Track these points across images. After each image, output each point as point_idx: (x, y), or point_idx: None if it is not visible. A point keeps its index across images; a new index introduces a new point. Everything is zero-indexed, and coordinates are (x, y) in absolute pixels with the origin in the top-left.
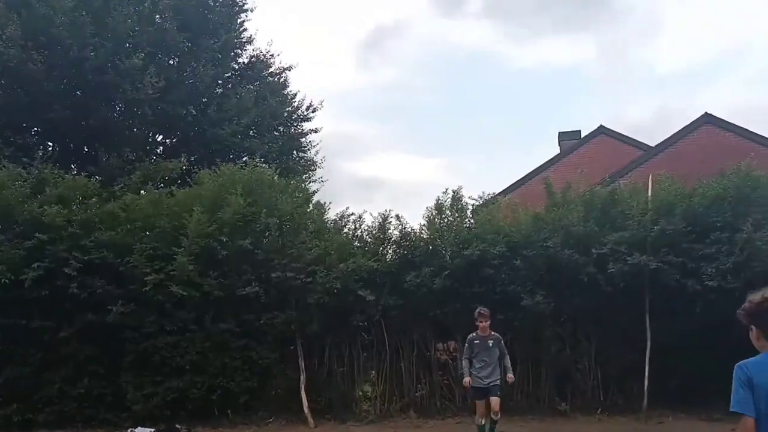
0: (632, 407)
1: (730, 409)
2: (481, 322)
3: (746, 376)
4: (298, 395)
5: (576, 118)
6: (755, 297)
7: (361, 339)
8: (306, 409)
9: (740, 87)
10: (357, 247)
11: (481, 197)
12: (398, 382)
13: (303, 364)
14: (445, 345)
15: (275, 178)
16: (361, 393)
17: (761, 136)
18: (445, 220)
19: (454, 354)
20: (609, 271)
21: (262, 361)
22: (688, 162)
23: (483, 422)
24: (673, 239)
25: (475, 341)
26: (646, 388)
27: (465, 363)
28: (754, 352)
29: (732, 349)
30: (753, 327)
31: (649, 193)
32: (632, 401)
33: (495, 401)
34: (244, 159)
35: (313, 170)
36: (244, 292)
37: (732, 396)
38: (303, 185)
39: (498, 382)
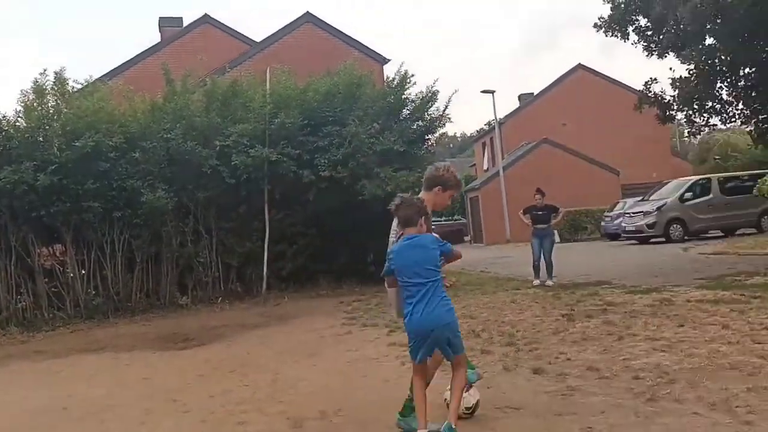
0: (251, 293)
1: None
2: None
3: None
4: None
5: (175, 5)
6: (393, 203)
7: None
8: None
9: None
10: None
11: (87, 81)
12: None
13: None
14: (51, 249)
15: None
16: None
17: (354, 39)
18: (48, 107)
19: (62, 258)
20: (232, 163)
21: None
22: (292, 59)
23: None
24: (291, 132)
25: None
26: (264, 274)
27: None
28: (359, 238)
29: (339, 234)
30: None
31: (268, 87)
32: (251, 287)
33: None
34: None
35: None
36: None
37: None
38: None
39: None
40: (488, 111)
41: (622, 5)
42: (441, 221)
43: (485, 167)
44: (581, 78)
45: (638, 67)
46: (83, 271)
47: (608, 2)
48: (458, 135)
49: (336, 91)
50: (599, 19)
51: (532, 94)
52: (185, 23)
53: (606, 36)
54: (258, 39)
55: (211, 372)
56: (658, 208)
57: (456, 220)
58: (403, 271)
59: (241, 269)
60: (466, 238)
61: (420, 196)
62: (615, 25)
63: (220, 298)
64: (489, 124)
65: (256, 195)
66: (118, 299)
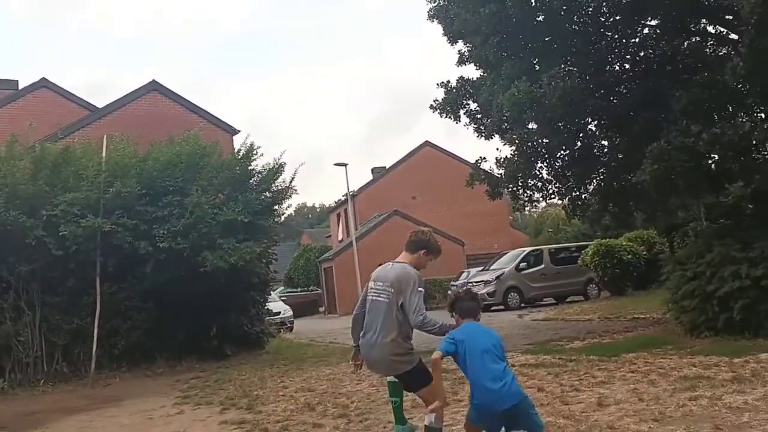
0: (79, 374)
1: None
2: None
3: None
4: None
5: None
6: (450, 295)
7: None
8: None
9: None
10: None
11: None
12: None
13: None
14: None
15: None
16: None
17: (202, 109)
18: None
19: None
20: (60, 233)
21: None
22: (136, 126)
23: None
24: (128, 202)
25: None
26: (94, 352)
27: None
28: (201, 311)
29: (179, 307)
30: (453, 314)
31: (104, 154)
32: (79, 367)
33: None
34: None
35: None
36: None
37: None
38: None
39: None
40: (345, 183)
41: (454, 90)
42: (297, 292)
43: (340, 238)
44: (428, 154)
45: (479, 145)
46: None
47: (442, 87)
48: (317, 206)
49: (178, 160)
50: (434, 101)
51: (385, 167)
52: (21, 85)
53: (441, 117)
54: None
55: None
56: (497, 278)
57: (311, 290)
58: (476, 350)
59: (67, 348)
60: (321, 309)
61: (401, 256)
62: (448, 107)
63: (42, 381)
64: (345, 195)
65: (86, 267)
66: None
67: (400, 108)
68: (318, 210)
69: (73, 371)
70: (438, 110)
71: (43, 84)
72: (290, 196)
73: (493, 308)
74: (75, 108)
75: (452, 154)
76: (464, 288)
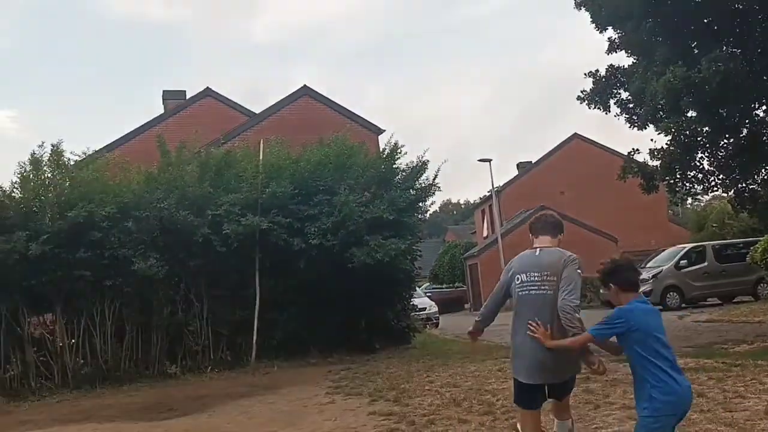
0: (241, 362)
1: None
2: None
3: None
4: None
5: (180, 78)
6: (605, 263)
7: None
8: None
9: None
10: None
11: (85, 153)
12: None
13: None
14: (41, 318)
15: None
16: None
17: (350, 111)
18: (43, 178)
19: (51, 327)
20: (224, 232)
21: None
22: (290, 130)
23: None
24: (282, 201)
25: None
26: (254, 342)
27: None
28: (350, 306)
29: (330, 301)
30: (611, 285)
31: (261, 157)
32: (241, 356)
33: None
34: None
35: None
36: None
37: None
38: None
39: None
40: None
41: (603, 79)
42: (442, 288)
43: (485, 234)
44: (577, 147)
45: (633, 135)
46: (72, 340)
47: (590, 77)
48: (462, 202)
49: (327, 161)
50: (582, 92)
51: (531, 162)
52: (188, 95)
53: (589, 108)
54: (258, 111)
55: None
56: (654, 276)
57: (457, 287)
58: (650, 336)
59: (231, 338)
60: (466, 306)
61: (544, 241)
62: (597, 97)
63: (209, 367)
64: (490, 191)
65: (246, 263)
66: (106, 368)
67: (551, 99)
68: (462, 206)
69: (235, 359)
70: (586, 101)
71: (207, 93)
72: (434, 193)
73: None
74: (235, 114)
75: (603, 146)
76: (621, 254)
